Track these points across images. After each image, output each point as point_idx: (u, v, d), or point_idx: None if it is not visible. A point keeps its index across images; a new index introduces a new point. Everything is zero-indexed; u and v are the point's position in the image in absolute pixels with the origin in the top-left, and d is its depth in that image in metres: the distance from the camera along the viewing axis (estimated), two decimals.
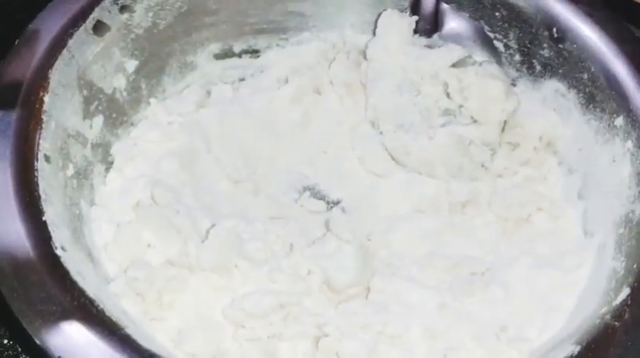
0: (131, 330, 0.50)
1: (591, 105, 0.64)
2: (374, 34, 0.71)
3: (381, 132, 0.69)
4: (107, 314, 0.50)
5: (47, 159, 0.56)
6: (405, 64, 0.69)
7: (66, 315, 0.49)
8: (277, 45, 0.74)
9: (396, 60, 0.69)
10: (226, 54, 0.72)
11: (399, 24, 0.69)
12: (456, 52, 0.69)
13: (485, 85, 0.67)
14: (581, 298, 0.58)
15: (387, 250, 0.63)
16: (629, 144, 0.60)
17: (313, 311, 0.58)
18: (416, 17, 0.70)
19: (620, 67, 0.62)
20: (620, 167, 0.61)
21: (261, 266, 0.59)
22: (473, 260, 0.62)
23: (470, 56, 0.69)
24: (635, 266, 0.54)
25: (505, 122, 0.67)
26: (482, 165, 0.67)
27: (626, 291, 0.53)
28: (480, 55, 0.70)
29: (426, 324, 0.58)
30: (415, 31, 0.70)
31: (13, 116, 0.56)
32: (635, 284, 0.53)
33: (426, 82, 0.69)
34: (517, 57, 0.69)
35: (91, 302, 0.50)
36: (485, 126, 0.67)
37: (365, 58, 0.71)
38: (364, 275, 0.61)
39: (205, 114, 0.69)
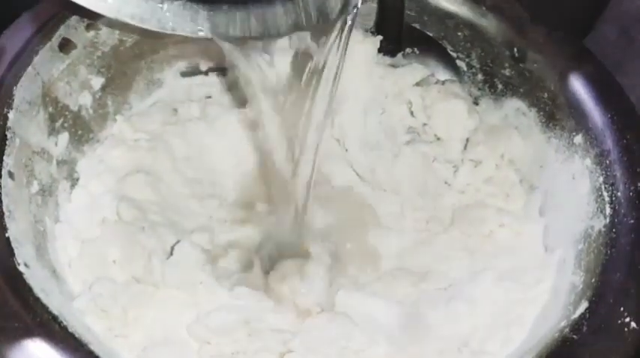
0: (95, 347, 0.50)
1: (551, 124, 0.66)
2: None
3: (346, 150, 0.70)
4: (71, 330, 0.50)
5: (11, 175, 0.56)
6: (370, 83, 0.70)
7: (29, 332, 0.48)
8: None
9: (361, 79, 0.70)
10: (193, 72, 0.73)
11: (364, 43, 0.70)
12: (419, 71, 0.70)
13: (448, 104, 0.68)
14: (542, 312, 0.59)
15: (352, 266, 0.63)
16: (588, 161, 0.61)
17: (278, 327, 0.58)
18: (380, 37, 0.71)
19: (578, 86, 0.64)
20: (579, 184, 0.62)
21: (226, 282, 0.59)
22: (437, 275, 0.63)
23: (433, 75, 0.70)
24: (593, 280, 0.55)
25: (467, 140, 0.69)
26: (446, 182, 0.68)
27: (584, 305, 0.54)
28: (442, 74, 0.71)
29: (391, 339, 0.58)
30: (379, 51, 0.71)
31: None
32: (593, 298, 0.54)
33: (390, 100, 0.70)
34: (479, 76, 0.71)
35: (55, 318, 0.50)
36: (448, 143, 0.68)
37: None
38: (330, 291, 0.61)
39: (172, 131, 0.69)
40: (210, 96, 0.73)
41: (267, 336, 0.57)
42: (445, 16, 0.70)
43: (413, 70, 0.70)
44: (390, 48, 0.71)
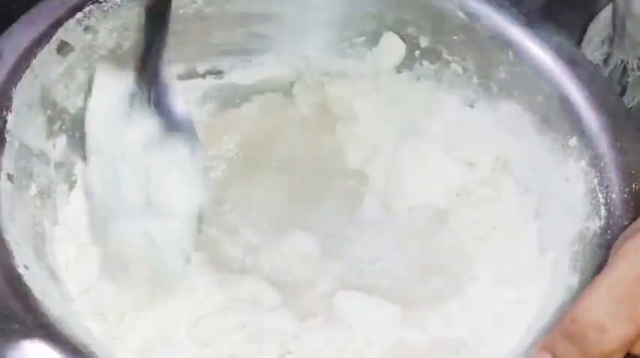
0: (94, 349, 0.50)
1: (546, 127, 0.66)
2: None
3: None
4: (70, 333, 0.50)
5: (10, 178, 0.56)
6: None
7: (28, 334, 0.48)
8: (241, 66, 0.74)
9: None
10: (190, 74, 0.73)
11: None
12: None
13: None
14: (537, 314, 0.59)
15: (349, 267, 0.64)
16: (583, 163, 0.62)
17: (276, 329, 0.58)
18: None
19: (573, 89, 0.64)
20: (574, 186, 0.62)
21: (224, 283, 0.59)
22: (432, 277, 0.63)
23: None
24: (588, 281, 0.56)
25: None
26: None
27: None
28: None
29: (389, 340, 0.58)
30: None
31: None
32: None
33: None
34: (474, 79, 0.71)
35: (54, 320, 0.50)
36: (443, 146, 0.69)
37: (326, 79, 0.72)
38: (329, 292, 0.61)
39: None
40: (207, 99, 0.74)
41: (265, 338, 0.57)
42: (440, 19, 0.70)
43: None
44: None
